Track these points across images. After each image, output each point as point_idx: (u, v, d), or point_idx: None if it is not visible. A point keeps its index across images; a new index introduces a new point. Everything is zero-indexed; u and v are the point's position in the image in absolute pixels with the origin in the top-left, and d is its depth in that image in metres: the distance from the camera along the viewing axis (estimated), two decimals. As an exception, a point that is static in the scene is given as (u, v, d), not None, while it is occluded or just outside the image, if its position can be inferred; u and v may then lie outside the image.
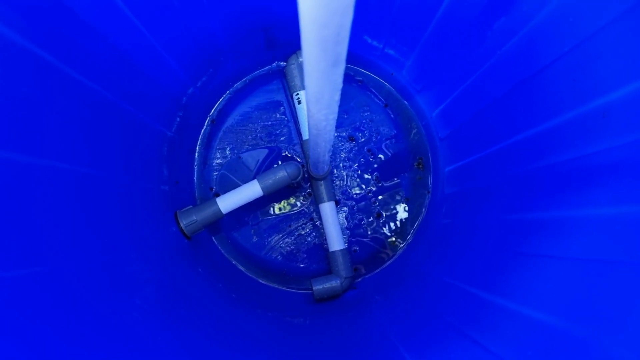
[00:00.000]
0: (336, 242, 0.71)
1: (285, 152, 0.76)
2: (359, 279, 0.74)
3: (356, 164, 0.75)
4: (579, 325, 0.29)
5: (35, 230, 0.38)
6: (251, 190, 0.68)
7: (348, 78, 0.77)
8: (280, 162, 0.75)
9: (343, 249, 0.71)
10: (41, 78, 0.41)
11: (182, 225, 0.66)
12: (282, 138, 0.76)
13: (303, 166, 0.73)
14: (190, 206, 0.69)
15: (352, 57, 0.75)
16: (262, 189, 0.67)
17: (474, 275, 0.46)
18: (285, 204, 0.75)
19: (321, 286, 0.70)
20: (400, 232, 0.74)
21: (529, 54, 0.45)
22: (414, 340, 0.46)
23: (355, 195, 0.75)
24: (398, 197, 0.75)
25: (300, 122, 0.73)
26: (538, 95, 0.45)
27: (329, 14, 0.22)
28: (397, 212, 0.75)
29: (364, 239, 0.74)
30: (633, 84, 0.32)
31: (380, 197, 0.75)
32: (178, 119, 0.70)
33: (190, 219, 0.67)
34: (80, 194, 0.46)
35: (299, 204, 0.75)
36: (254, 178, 0.73)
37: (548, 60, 0.42)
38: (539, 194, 0.43)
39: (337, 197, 0.75)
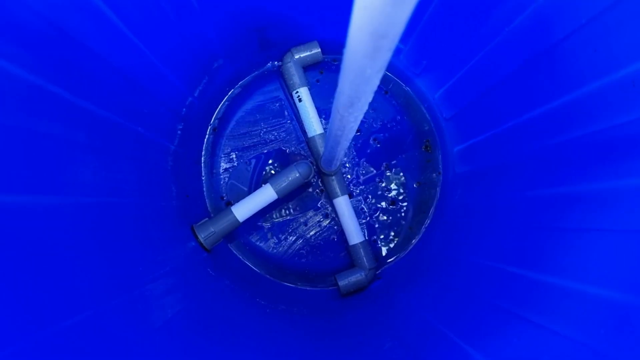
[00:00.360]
0: (355, 235, 0.71)
1: (291, 151, 0.75)
2: (383, 269, 0.74)
3: (364, 155, 0.75)
4: (643, 297, 0.30)
5: (73, 274, 0.37)
6: (265, 195, 0.67)
7: (344, 69, 0.76)
8: (284, 163, 0.74)
9: (363, 241, 0.71)
10: (51, 111, 0.40)
11: (200, 238, 0.65)
12: (286, 138, 0.75)
13: (312, 163, 0.73)
14: (206, 218, 0.68)
15: (347, 47, 0.74)
16: (277, 192, 0.67)
17: (512, 254, 0.46)
18: (298, 203, 0.75)
19: (346, 280, 0.70)
20: (416, 216, 0.75)
21: (540, 29, 0.45)
22: (461, 325, 0.47)
23: (367, 186, 0.75)
24: (410, 182, 0.75)
25: (303, 120, 0.72)
26: (553, 70, 0.45)
27: (390, 25, 0.21)
28: (410, 197, 0.75)
29: (382, 228, 0.75)
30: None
31: (391, 184, 0.75)
32: (179, 132, 0.68)
33: (208, 232, 0.66)
34: (103, 226, 0.46)
35: (312, 201, 0.74)
36: (263, 181, 0.72)
37: (563, 34, 0.42)
38: (568, 167, 0.43)
39: (349, 190, 0.74)
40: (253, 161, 0.75)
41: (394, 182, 0.75)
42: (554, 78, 0.45)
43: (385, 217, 0.75)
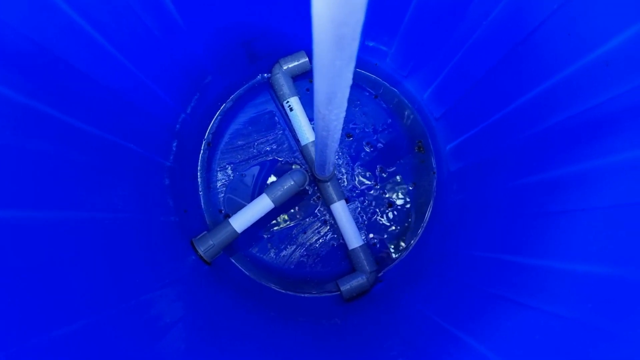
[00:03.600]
0: (354, 239, 0.71)
1: (285, 160, 0.76)
2: (384, 271, 0.74)
3: (358, 159, 0.76)
4: (628, 269, 0.30)
5: (65, 286, 0.38)
6: (262, 205, 0.67)
7: (333, 77, 0.77)
8: (279, 172, 0.75)
9: (363, 245, 0.71)
10: (45, 132, 0.41)
11: (200, 252, 0.66)
12: (280, 147, 0.76)
13: (307, 171, 0.73)
14: (205, 232, 0.68)
15: (334, 55, 0.75)
16: (273, 201, 0.67)
17: (503, 242, 0.46)
18: (296, 212, 0.75)
19: (348, 285, 0.70)
20: (415, 216, 0.75)
21: (515, 20, 0.46)
22: (455, 315, 0.47)
23: (363, 190, 0.75)
24: (405, 183, 0.75)
25: (296, 129, 0.73)
26: (531, 58, 0.45)
27: (348, 11, 0.22)
28: (407, 198, 0.75)
29: (381, 230, 0.75)
30: (631, 28, 0.33)
31: (387, 187, 0.75)
32: (174, 148, 0.69)
33: (207, 244, 0.66)
34: (100, 241, 0.46)
35: (309, 209, 0.75)
36: (260, 192, 0.73)
37: (536, 23, 0.43)
38: (551, 152, 0.44)
39: (345, 195, 0.75)
40: (249, 173, 0.75)
41: (390, 184, 0.75)
42: (534, 65, 0.46)
43: (383, 220, 0.75)
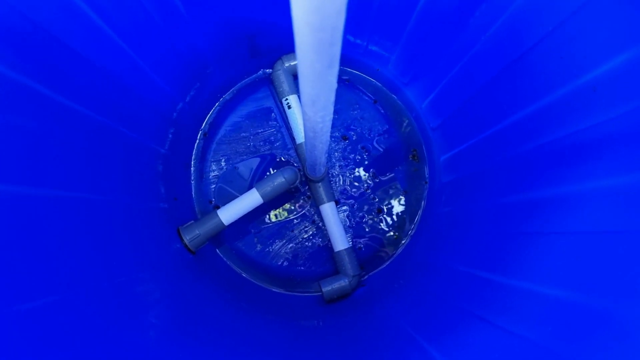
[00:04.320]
0: (340, 241, 0.71)
1: (280, 157, 0.76)
2: (367, 276, 0.74)
3: (352, 163, 0.76)
4: (593, 297, 0.30)
5: (44, 260, 0.38)
6: (251, 199, 0.68)
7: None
8: (273, 169, 0.75)
9: (348, 248, 0.71)
10: (37, 110, 0.41)
11: (185, 240, 0.66)
12: (275, 144, 0.76)
13: (300, 170, 0.73)
14: (192, 221, 0.69)
15: (337, 57, 0.76)
16: (262, 196, 0.67)
17: (481, 259, 0.46)
18: (286, 210, 0.75)
19: (330, 287, 0.70)
20: (402, 224, 0.75)
21: (512, 37, 0.46)
22: (429, 328, 0.47)
23: (354, 194, 0.75)
24: (396, 191, 0.76)
25: (292, 127, 0.74)
26: (526, 77, 0.45)
27: (323, 17, 0.22)
28: (397, 206, 0.75)
29: (368, 236, 0.75)
30: (620, 56, 0.33)
31: (378, 193, 0.75)
32: (170, 136, 0.70)
33: (193, 234, 0.67)
34: (84, 221, 0.47)
35: (299, 208, 0.75)
36: (251, 186, 0.73)
37: (533, 41, 0.43)
38: (536, 173, 0.44)
39: (336, 197, 0.75)
40: (242, 166, 0.76)
41: (382, 190, 0.76)
42: (527, 84, 0.46)
43: (371, 225, 0.75)
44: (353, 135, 0.76)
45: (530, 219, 0.40)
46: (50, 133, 0.43)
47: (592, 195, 0.35)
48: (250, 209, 0.68)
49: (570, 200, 0.36)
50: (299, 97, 0.74)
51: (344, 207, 0.75)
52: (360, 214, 0.75)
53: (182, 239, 0.67)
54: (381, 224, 0.75)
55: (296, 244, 0.75)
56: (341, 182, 0.76)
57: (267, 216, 0.75)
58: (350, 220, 0.75)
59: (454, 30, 0.55)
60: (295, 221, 0.75)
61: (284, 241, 0.75)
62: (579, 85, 0.38)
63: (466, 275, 0.48)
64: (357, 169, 0.76)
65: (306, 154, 0.57)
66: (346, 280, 0.70)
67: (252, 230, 0.75)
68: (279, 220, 0.75)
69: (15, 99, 0.39)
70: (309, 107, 0.36)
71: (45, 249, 0.39)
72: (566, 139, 0.39)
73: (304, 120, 0.41)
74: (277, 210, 0.75)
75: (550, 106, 0.42)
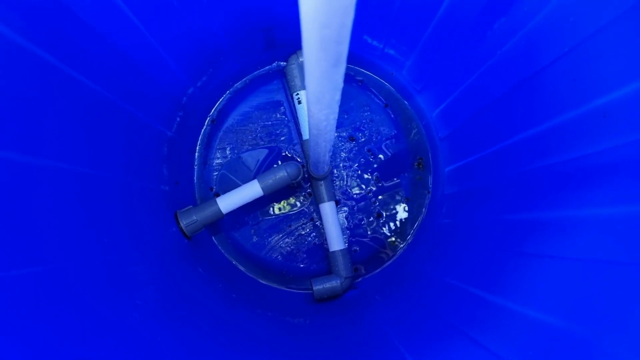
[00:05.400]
0: (336, 242, 0.71)
1: (285, 152, 0.76)
2: (359, 279, 0.74)
3: (356, 164, 0.75)
4: (579, 325, 0.29)
5: (34, 229, 0.38)
6: (251, 190, 0.68)
7: (348, 78, 0.77)
8: (280, 162, 0.75)
9: (343, 249, 0.71)
10: (41, 78, 0.41)
11: (182, 225, 0.66)
12: (282, 138, 0.76)
13: (303, 166, 0.73)
14: (191, 206, 0.69)
15: (352, 57, 0.75)
16: (262, 188, 0.67)
17: (475, 275, 0.46)
18: (286, 204, 0.75)
19: (321, 286, 0.70)
20: (400, 232, 0.75)
21: (528, 54, 0.45)
22: (414, 340, 0.46)
23: (355, 195, 0.75)
24: (398, 197, 0.75)
25: (300, 122, 0.73)
26: (538, 95, 0.45)
27: (330, 14, 0.22)
28: (397, 212, 0.75)
29: (364, 239, 0.74)
30: (633, 84, 0.32)
31: (380, 197, 0.75)
32: (178, 119, 0.70)
33: (190, 219, 0.67)
34: (80, 194, 0.46)
35: (299, 204, 0.75)
36: (254, 178, 0.73)
37: (548, 60, 0.42)
38: (539, 194, 0.43)
39: (337, 197, 0.75)
40: (246, 157, 0.76)
41: (383, 195, 0.75)
42: (538, 103, 0.45)
43: (369, 229, 0.74)
44: (361, 137, 0.76)
45: (529, 239, 0.40)
46: (53, 102, 0.43)
47: (591, 222, 0.34)
48: (249, 200, 0.68)
49: (570, 224, 0.36)
50: (310, 93, 0.73)
51: (344, 208, 0.75)
52: (360, 216, 0.75)
53: (178, 223, 0.67)
54: (379, 229, 0.74)
55: (292, 239, 0.74)
56: (344, 183, 0.75)
57: (266, 209, 0.75)
58: (348, 222, 0.75)
59: (472, 41, 0.54)
60: (293, 217, 0.75)
61: (281, 235, 0.75)
62: (589, 110, 0.37)
63: (458, 290, 0.48)
64: (361, 171, 0.75)
65: (310, 151, 0.57)
66: (338, 281, 0.70)
67: (250, 222, 0.75)
68: (278, 215, 0.75)
69: (19, 64, 0.39)
70: (314, 104, 0.35)
71: (37, 218, 0.39)
72: (573, 162, 0.38)
73: (309, 117, 0.41)
74: (277, 204, 0.75)
75: (560, 127, 0.41)
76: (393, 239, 0.74)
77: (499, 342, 0.33)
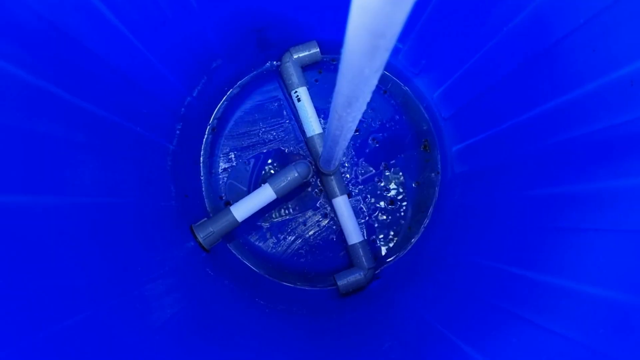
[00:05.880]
0: (354, 234, 0.71)
1: (290, 151, 0.75)
2: (381, 268, 0.74)
3: (362, 154, 0.75)
4: (642, 296, 0.30)
5: (72, 274, 0.37)
6: (264, 195, 0.67)
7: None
8: (283, 162, 0.74)
9: (362, 241, 0.71)
10: (52, 112, 0.40)
11: (199, 238, 0.65)
12: (285, 137, 0.75)
13: (311, 163, 0.73)
14: (205, 218, 0.68)
15: (346, 47, 0.74)
16: (275, 192, 0.67)
17: (511, 254, 0.46)
18: (297, 203, 0.74)
19: (345, 280, 0.70)
20: (416, 215, 0.75)
21: (538, 29, 0.45)
22: (457, 323, 0.47)
23: (365, 186, 0.75)
24: (408, 182, 0.75)
25: (302, 120, 0.72)
26: (553, 69, 0.45)
27: (387, 24, 0.21)
28: (409, 197, 0.75)
29: (381, 227, 0.75)
30: (662, 51, 0.32)
31: (390, 184, 0.75)
32: (178, 131, 0.68)
33: (207, 231, 0.66)
34: (102, 226, 0.45)
35: (310, 201, 0.74)
36: (262, 181, 0.72)
37: (561, 34, 0.42)
38: (566, 167, 0.43)
39: (348, 190, 0.74)
40: (252, 161, 0.75)
41: (393, 181, 0.75)
42: (553, 77, 0.45)
43: (384, 217, 0.74)
44: (364, 126, 0.75)
45: (564, 214, 0.40)
46: (65, 137, 0.42)
47: (632, 192, 0.34)
48: (263, 205, 0.68)
49: (611, 195, 0.36)
50: (308, 89, 0.72)
51: (357, 200, 0.75)
52: (373, 206, 0.75)
53: (195, 237, 0.66)
54: (394, 216, 0.75)
55: (309, 237, 0.74)
56: (353, 175, 0.75)
57: (279, 210, 0.74)
58: (362, 212, 0.75)
59: (473, 21, 0.54)
60: (307, 214, 0.74)
61: (296, 235, 0.74)
62: (613, 79, 0.37)
63: (492, 270, 0.48)
64: (368, 161, 0.75)
65: (324, 149, 0.56)
66: (361, 274, 0.70)
67: (264, 225, 0.74)
68: (291, 215, 0.74)
69: (29, 101, 0.37)
70: (343, 108, 0.35)
71: (69, 260, 0.38)
72: (602, 132, 0.38)
73: (332, 119, 0.40)
74: (288, 204, 0.74)
75: (581, 99, 0.41)
76: (409, 223, 0.75)
77: (561, 322, 0.33)
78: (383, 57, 0.25)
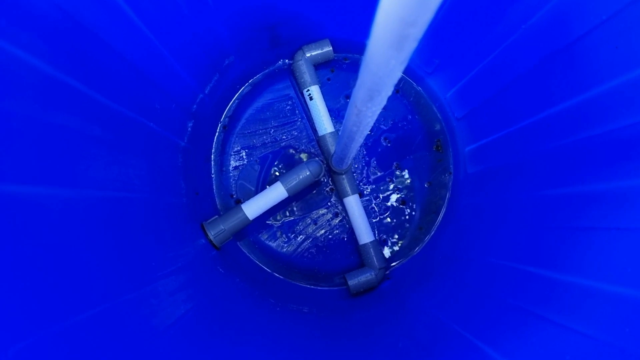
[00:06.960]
0: (365, 234, 0.71)
1: (301, 149, 0.74)
2: (392, 268, 0.73)
3: (375, 154, 0.75)
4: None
5: (85, 269, 0.37)
6: (276, 193, 0.67)
7: (356, 68, 0.76)
8: (294, 161, 0.74)
9: (373, 241, 0.71)
10: (69, 104, 0.40)
11: (210, 236, 0.65)
12: (296, 136, 0.75)
13: (323, 161, 0.72)
14: (216, 216, 0.68)
15: (358, 45, 0.74)
16: (287, 190, 0.66)
17: (526, 253, 0.46)
18: (308, 202, 0.74)
19: (356, 280, 0.69)
20: (427, 216, 0.74)
21: (557, 27, 0.44)
22: (470, 321, 0.46)
23: (377, 185, 0.74)
24: (420, 182, 0.75)
25: (314, 118, 0.72)
26: (572, 67, 0.44)
27: (420, 12, 0.21)
28: (421, 197, 0.74)
29: (392, 227, 0.74)
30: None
31: (402, 184, 0.74)
32: (189, 129, 0.68)
33: (218, 229, 0.65)
34: (114, 221, 0.45)
35: (322, 200, 0.74)
36: (273, 179, 0.72)
37: (582, 31, 0.42)
38: (584, 166, 0.43)
39: (360, 189, 0.74)
40: (263, 159, 0.74)
41: (405, 181, 0.75)
42: (572, 76, 0.44)
43: (395, 217, 0.74)
44: (375, 126, 0.75)
45: (584, 213, 0.39)
46: (82, 129, 0.42)
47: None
48: (275, 203, 0.67)
49: (630, 194, 0.35)
50: (320, 88, 0.72)
51: (368, 199, 0.74)
52: (384, 205, 0.74)
53: (206, 235, 0.65)
54: (405, 216, 0.74)
55: (319, 236, 0.74)
56: (364, 174, 0.74)
57: (290, 209, 0.74)
58: (374, 212, 0.74)
59: (490, 19, 0.53)
60: (318, 213, 0.74)
61: (307, 234, 0.74)
62: (637, 76, 0.37)
63: (507, 269, 0.48)
64: (380, 160, 0.75)
65: (337, 147, 0.56)
66: (372, 273, 0.70)
67: (275, 224, 0.74)
68: (302, 214, 0.74)
69: (46, 92, 0.37)
70: (364, 102, 0.34)
71: (82, 254, 0.38)
72: (621, 131, 0.38)
73: (350, 114, 0.40)
74: (299, 202, 0.74)
75: (601, 97, 0.41)
76: (420, 223, 0.74)
77: (585, 321, 0.32)
78: (411, 47, 0.24)
